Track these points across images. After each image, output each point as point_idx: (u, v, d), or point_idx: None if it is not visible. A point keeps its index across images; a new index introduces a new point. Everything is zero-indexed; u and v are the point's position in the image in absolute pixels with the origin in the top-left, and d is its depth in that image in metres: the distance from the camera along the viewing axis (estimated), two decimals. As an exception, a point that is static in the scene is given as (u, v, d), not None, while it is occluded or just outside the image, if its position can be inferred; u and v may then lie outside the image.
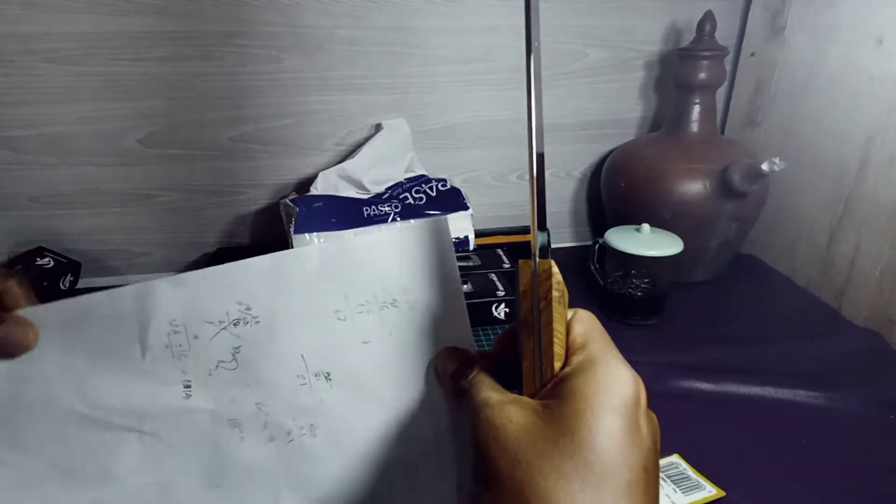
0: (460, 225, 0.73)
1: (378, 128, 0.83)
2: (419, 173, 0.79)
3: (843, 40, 0.71)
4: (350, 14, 0.77)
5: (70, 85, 0.74)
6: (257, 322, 0.30)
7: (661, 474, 0.48)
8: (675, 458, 0.50)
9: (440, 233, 0.31)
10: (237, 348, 0.30)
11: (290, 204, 0.70)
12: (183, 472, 0.31)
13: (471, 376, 0.27)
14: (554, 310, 0.26)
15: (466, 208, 0.74)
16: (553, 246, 0.88)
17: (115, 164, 0.78)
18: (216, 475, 0.31)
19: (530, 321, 0.26)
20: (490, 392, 0.26)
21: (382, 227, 0.70)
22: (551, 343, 0.25)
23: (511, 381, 0.27)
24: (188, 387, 0.30)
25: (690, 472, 0.48)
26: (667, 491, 0.46)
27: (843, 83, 0.71)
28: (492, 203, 0.92)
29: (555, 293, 0.26)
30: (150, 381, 0.30)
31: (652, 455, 0.23)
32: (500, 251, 0.77)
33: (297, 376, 0.31)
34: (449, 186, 0.76)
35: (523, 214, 0.94)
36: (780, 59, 0.81)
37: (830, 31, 0.73)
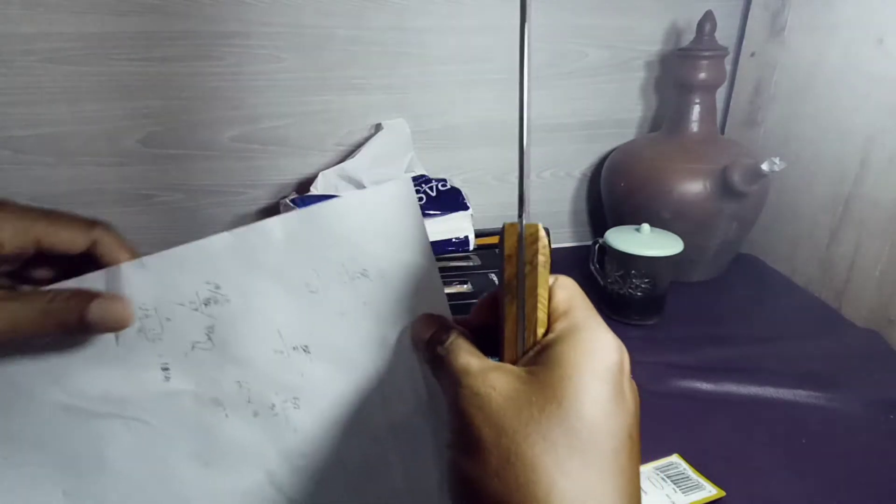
0: (460, 225, 0.73)
1: (378, 128, 0.82)
2: (419, 173, 0.79)
3: (843, 40, 0.71)
4: (350, 14, 0.77)
5: (70, 85, 0.74)
6: (228, 301, 0.30)
7: (662, 474, 0.48)
8: (675, 458, 0.50)
9: (404, 196, 0.30)
10: (211, 328, 0.30)
11: (290, 204, 0.70)
12: (173, 454, 0.31)
13: (447, 342, 0.26)
14: (539, 275, 0.25)
15: (466, 208, 0.74)
16: (553, 246, 0.88)
17: (115, 164, 0.78)
18: (205, 454, 0.31)
19: (514, 285, 0.25)
20: (469, 358, 0.25)
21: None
22: (535, 308, 0.25)
23: (489, 348, 0.26)
24: (166, 369, 0.30)
25: (690, 472, 0.48)
26: (667, 491, 0.46)
27: (843, 83, 0.71)
28: (492, 203, 0.92)
29: (540, 258, 0.25)
30: (127, 367, 0.29)
31: (635, 422, 0.23)
32: (499, 251, 0.76)
33: (276, 352, 0.30)
34: (449, 186, 0.76)
35: (523, 214, 0.94)
36: (780, 59, 0.81)
37: (830, 31, 0.73)
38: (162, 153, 0.79)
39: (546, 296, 0.26)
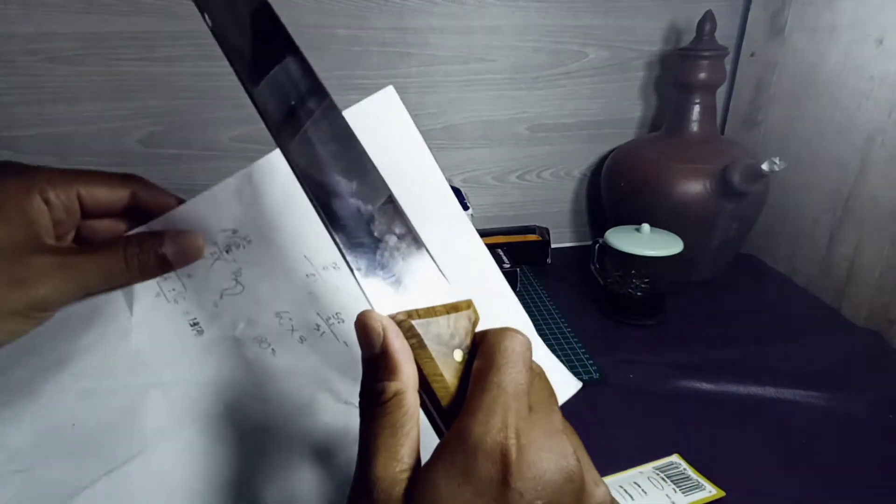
0: (460, 225, 0.73)
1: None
2: (419, 173, 0.79)
3: (843, 40, 0.71)
4: (350, 14, 0.77)
5: (70, 85, 0.74)
6: (249, 241, 0.30)
7: (662, 474, 0.48)
8: (675, 458, 0.50)
9: (391, 101, 0.31)
10: (237, 272, 0.30)
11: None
12: (220, 406, 0.30)
13: (390, 393, 0.22)
14: (418, 359, 0.23)
15: (466, 208, 0.74)
16: (553, 246, 0.88)
17: (115, 164, 0.78)
18: (261, 392, 0.30)
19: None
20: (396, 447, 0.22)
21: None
22: (438, 397, 0.23)
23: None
24: (195, 324, 0.30)
25: (690, 472, 0.48)
26: (667, 491, 0.46)
27: (843, 83, 0.71)
28: (492, 203, 0.92)
29: (411, 342, 0.23)
30: (150, 332, 0.29)
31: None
32: (500, 251, 0.77)
33: (307, 275, 0.30)
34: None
35: (523, 214, 0.94)
36: (780, 59, 0.81)
37: (830, 31, 0.73)
38: (162, 153, 0.79)
39: (439, 372, 0.23)
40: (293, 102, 0.26)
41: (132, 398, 0.29)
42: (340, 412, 0.31)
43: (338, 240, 0.24)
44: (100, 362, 0.28)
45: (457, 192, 0.76)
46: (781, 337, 0.67)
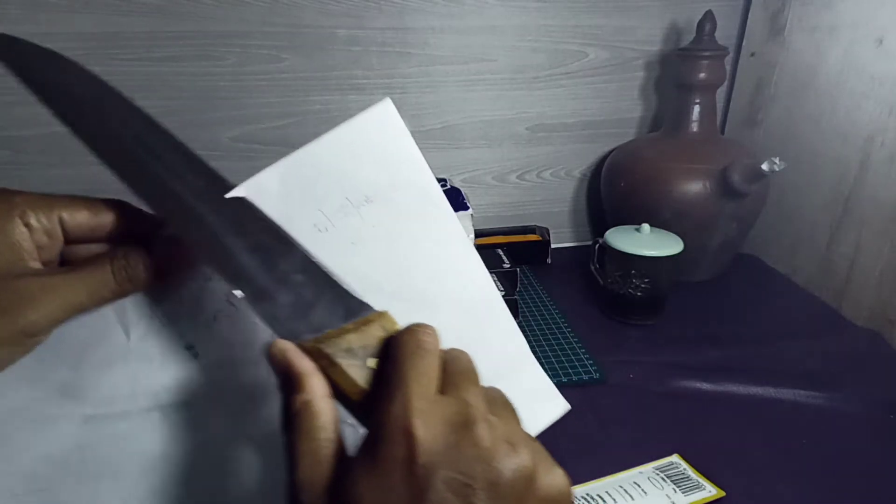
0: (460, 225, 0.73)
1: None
2: (419, 173, 0.78)
3: (843, 40, 0.71)
4: (350, 14, 0.77)
5: (70, 85, 0.74)
6: None
7: (662, 474, 0.48)
8: (675, 458, 0.50)
9: (389, 116, 0.31)
10: (230, 293, 0.30)
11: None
12: (219, 427, 0.30)
13: (298, 403, 0.24)
14: (333, 374, 0.25)
15: (466, 208, 0.74)
16: (553, 246, 0.88)
17: (115, 164, 0.78)
18: (260, 412, 0.31)
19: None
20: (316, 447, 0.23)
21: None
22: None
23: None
24: (191, 347, 0.30)
25: (690, 472, 0.48)
26: (667, 491, 0.46)
27: (843, 83, 0.71)
28: (492, 203, 0.92)
29: (321, 362, 0.25)
30: (146, 358, 0.29)
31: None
32: (500, 251, 0.77)
33: None
34: (449, 186, 0.76)
35: (523, 214, 0.94)
36: (780, 59, 0.81)
37: (830, 31, 0.73)
38: (162, 153, 0.79)
39: (354, 381, 0.25)
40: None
41: (133, 422, 0.29)
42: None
43: (245, 295, 0.26)
44: (100, 388, 0.29)
45: (457, 192, 0.76)
46: (781, 337, 0.67)
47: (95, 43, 0.72)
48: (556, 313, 0.73)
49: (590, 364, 0.62)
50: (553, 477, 0.24)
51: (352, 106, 0.82)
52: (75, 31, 0.71)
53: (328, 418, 0.24)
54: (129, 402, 0.29)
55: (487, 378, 0.26)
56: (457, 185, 0.77)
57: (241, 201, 0.28)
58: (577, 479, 0.47)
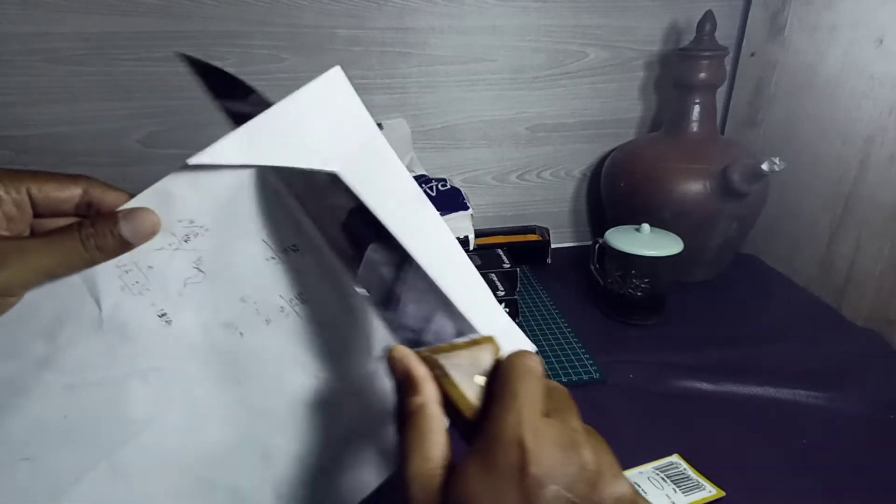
0: (460, 225, 0.73)
1: (378, 128, 0.82)
2: (419, 173, 0.79)
3: (843, 40, 0.71)
4: (350, 14, 0.77)
5: (70, 85, 0.74)
6: (207, 230, 0.30)
7: (662, 474, 0.48)
8: (675, 458, 0.50)
9: (339, 82, 0.32)
10: (199, 260, 0.30)
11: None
12: (199, 390, 0.31)
13: (414, 405, 0.27)
14: (444, 385, 0.28)
15: (466, 208, 0.74)
16: (553, 246, 0.88)
17: (115, 164, 0.78)
18: (233, 374, 0.32)
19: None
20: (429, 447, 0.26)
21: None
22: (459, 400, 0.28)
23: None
24: (163, 315, 0.30)
25: (690, 472, 0.48)
26: (667, 491, 0.46)
27: (843, 83, 0.71)
28: (492, 203, 0.92)
29: (436, 372, 0.28)
30: (120, 327, 0.30)
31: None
32: (500, 251, 0.77)
33: (267, 259, 0.31)
34: (449, 186, 0.76)
35: (523, 214, 0.94)
36: (780, 59, 0.81)
37: (830, 31, 0.73)
38: (162, 153, 0.79)
39: (460, 392, 0.28)
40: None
41: (113, 388, 0.30)
42: (310, 386, 0.34)
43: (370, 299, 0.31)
44: (77, 358, 0.29)
45: (457, 192, 0.76)
46: (781, 337, 0.67)
47: (95, 43, 0.72)
48: (556, 313, 0.73)
49: (590, 364, 0.62)
50: None
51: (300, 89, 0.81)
52: (75, 31, 0.71)
53: (439, 422, 0.27)
54: (106, 370, 0.30)
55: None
56: (457, 185, 0.77)
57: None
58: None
